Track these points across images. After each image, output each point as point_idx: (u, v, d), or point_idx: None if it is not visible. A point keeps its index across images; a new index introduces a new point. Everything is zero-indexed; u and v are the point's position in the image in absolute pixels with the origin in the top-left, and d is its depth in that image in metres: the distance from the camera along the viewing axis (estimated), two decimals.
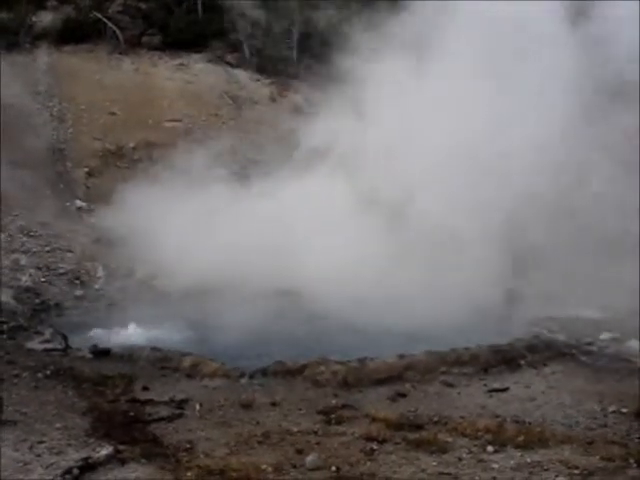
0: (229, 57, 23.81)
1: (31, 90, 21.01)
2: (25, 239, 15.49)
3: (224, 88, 22.59)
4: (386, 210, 14.37)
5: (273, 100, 22.47)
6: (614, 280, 12.21)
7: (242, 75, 23.24)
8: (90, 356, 10.77)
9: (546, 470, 7.21)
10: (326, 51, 18.81)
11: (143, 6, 25.14)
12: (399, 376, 9.95)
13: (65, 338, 11.30)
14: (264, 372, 10.12)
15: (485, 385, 9.84)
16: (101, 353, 10.81)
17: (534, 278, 13.30)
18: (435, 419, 8.59)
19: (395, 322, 11.29)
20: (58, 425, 8.16)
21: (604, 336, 11.70)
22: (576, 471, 7.16)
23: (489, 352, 10.53)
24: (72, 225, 16.84)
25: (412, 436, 8.01)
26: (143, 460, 7.29)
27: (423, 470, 7.24)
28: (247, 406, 8.97)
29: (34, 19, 23.62)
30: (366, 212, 14.53)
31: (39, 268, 14.59)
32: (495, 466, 7.32)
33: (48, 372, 9.88)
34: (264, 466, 7.18)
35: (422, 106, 14.46)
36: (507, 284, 13.21)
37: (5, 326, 11.67)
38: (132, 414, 8.62)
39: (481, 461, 7.44)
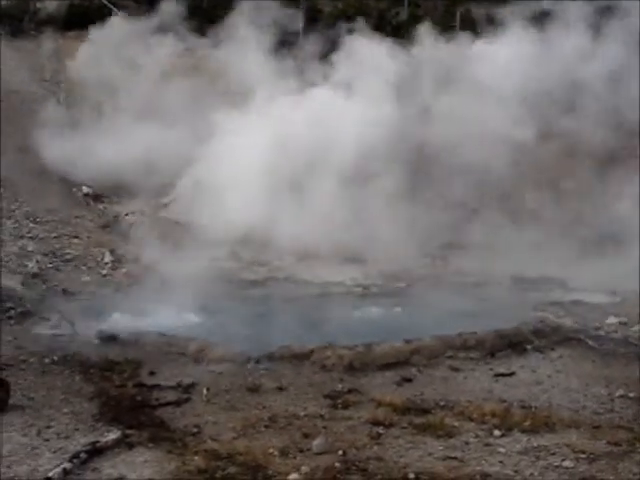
0: None
1: (36, 76, 20.96)
2: (32, 225, 15.52)
3: None
4: None
5: None
6: None
7: None
8: (97, 341, 10.80)
9: (553, 454, 7.22)
10: None
11: None
12: (405, 361, 9.96)
13: (72, 323, 11.34)
14: (271, 356, 10.14)
15: (491, 369, 9.84)
16: (108, 338, 10.83)
17: None
18: (441, 403, 8.59)
19: None
20: (66, 410, 8.21)
21: (611, 320, 11.69)
22: (582, 455, 7.17)
23: (495, 336, 10.52)
24: (78, 211, 16.86)
25: (418, 420, 8.02)
26: (150, 444, 7.33)
27: (430, 454, 7.25)
28: (254, 390, 8.99)
29: (39, 5, 23.57)
30: None
31: (46, 254, 14.62)
32: (502, 450, 7.33)
33: (55, 357, 9.93)
34: (271, 450, 7.21)
35: None
36: None
37: (13, 312, 11.72)
38: (139, 399, 8.65)
39: (488, 445, 7.45)
